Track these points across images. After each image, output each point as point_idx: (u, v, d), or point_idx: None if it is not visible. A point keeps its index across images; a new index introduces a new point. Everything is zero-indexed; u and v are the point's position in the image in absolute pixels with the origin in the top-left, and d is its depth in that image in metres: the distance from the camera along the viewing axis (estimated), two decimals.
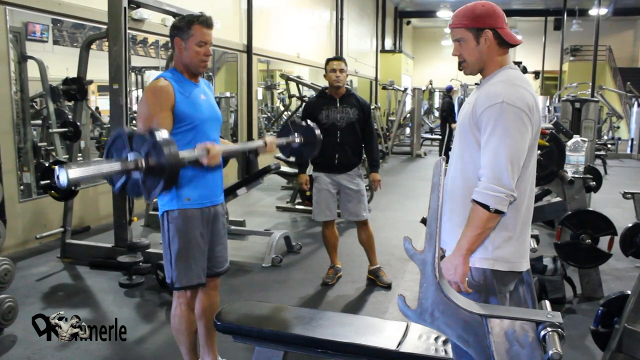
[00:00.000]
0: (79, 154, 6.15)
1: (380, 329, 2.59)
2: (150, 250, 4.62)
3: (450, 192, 2.08)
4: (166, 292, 4.13)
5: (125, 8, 4.52)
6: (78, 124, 5.15)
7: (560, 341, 1.51)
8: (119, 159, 2.12)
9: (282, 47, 12.12)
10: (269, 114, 13.50)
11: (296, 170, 4.64)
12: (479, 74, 2.14)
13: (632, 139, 15.31)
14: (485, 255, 1.99)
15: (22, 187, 5.88)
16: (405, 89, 16.55)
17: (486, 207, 1.89)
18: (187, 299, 2.77)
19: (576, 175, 4.28)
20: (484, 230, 1.93)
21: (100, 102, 9.86)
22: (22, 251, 5.41)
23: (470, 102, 2.08)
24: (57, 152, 6.69)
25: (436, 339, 2.45)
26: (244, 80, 10.12)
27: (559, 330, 1.54)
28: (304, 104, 6.32)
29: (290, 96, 11.55)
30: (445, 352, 2.35)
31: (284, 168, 7.02)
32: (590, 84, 15.81)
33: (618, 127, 18.14)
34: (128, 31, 4.61)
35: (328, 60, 4.41)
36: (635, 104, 15.13)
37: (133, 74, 9.96)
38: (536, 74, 24.74)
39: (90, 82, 5.32)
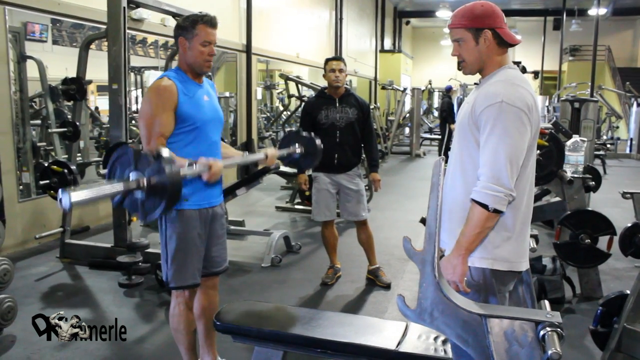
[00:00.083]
0: (78, 154, 6.15)
1: (379, 329, 2.59)
2: (149, 250, 4.62)
3: (450, 191, 2.08)
4: (165, 292, 4.13)
5: (124, 8, 4.52)
6: (77, 123, 5.15)
7: (559, 341, 1.51)
8: (121, 180, 2.10)
9: (282, 47, 12.12)
10: (268, 114, 13.50)
11: (295, 171, 4.64)
12: (478, 73, 2.14)
13: (631, 139, 15.32)
14: (484, 255, 2.00)
15: (21, 187, 5.88)
16: (405, 89, 16.56)
17: (485, 206, 1.89)
18: (186, 299, 2.77)
19: (575, 175, 4.28)
20: (483, 230, 1.94)
21: (100, 102, 9.86)
22: (22, 251, 5.40)
23: (469, 101, 2.08)
24: (56, 152, 6.68)
25: (435, 338, 2.45)
26: (243, 80, 10.13)
27: (558, 330, 1.54)
28: (303, 104, 6.32)
29: (290, 96, 11.56)
30: (445, 351, 2.35)
31: (284, 168, 7.00)
32: (590, 83, 15.82)
33: (617, 127, 18.16)
34: (127, 31, 4.61)
35: (327, 60, 4.41)
36: (635, 103, 15.14)
37: (132, 74, 9.96)
38: (535, 73, 24.78)
39: (90, 82, 5.32)
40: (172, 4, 5.18)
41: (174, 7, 5.18)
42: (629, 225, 3.60)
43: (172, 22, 6.73)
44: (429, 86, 19.43)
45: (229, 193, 4.56)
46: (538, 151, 3.91)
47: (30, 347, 3.34)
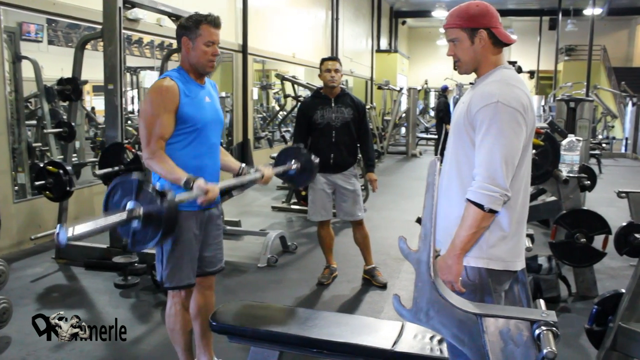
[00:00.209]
0: (74, 155, 6.14)
1: (375, 329, 2.60)
2: (145, 250, 4.60)
3: (445, 191, 2.08)
4: (161, 292, 4.12)
5: (120, 8, 4.51)
6: (73, 124, 5.14)
7: (554, 340, 1.52)
8: (117, 212, 2.09)
9: (278, 47, 12.11)
10: (264, 114, 13.49)
11: None
12: (473, 73, 2.15)
13: (627, 138, 15.37)
14: (480, 254, 2.00)
15: (16, 187, 5.86)
16: (401, 89, 16.55)
17: (480, 206, 1.90)
18: (182, 299, 2.77)
19: (571, 175, 4.29)
20: (478, 230, 1.94)
21: (96, 102, 9.85)
22: (17, 252, 5.39)
23: (464, 101, 2.09)
24: (52, 152, 6.68)
25: (431, 338, 2.45)
26: (239, 80, 10.12)
27: (554, 329, 1.55)
28: (299, 104, 6.32)
29: (286, 96, 11.55)
30: (441, 351, 2.36)
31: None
32: (585, 83, 15.85)
33: (612, 127, 18.20)
34: (123, 31, 4.60)
35: (323, 60, 4.41)
36: (630, 103, 15.18)
37: (128, 74, 9.95)
38: (531, 73, 24.82)
39: (85, 82, 5.31)
40: (167, 4, 5.17)
41: (170, 7, 5.18)
42: (624, 224, 3.60)
43: (168, 22, 6.74)
44: (425, 86, 19.45)
45: (225, 193, 4.55)
46: (534, 151, 3.92)
47: (25, 349, 3.34)
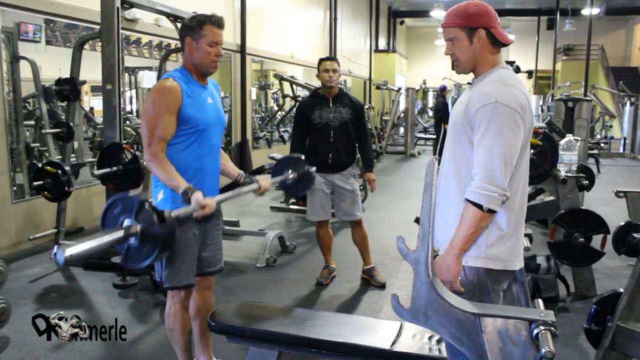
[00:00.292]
0: (72, 155, 6.13)
1: (374, 329, 2.60)
2: None
3: (444, 191, 2.08)
4: (160, 292, 4.12)
5: (118, 8, 4.50)
6: (71, 124, 5.14)
7: (553, 339, 1.52)
8: (115, 230, 2.09)
9: (276, 47, 12.11)
10: (262, 114, 13.48)
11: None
12: (471, 73, 2.15)
13: (625, 138, 15.39)
14: (478, 254, 2.00)
15: (15, 188, 5.86)
16: (399, 89, 16.56)
17: (479, 206, 1.90)
18: (181, 299, 2.77)
19: (569, 174, 4.29)
20: (477, 230, 1.94)
21: (94, 103, 9.84)
22: (15, 252, 5.39)
23: (462, 101, 2.09)
24: (50, 152, 6.67)
25: (430, 338, 2.46)
26: (238, 80, 10.12)
27: (552, 328, 1.55)
28: (297, 104, 6.32)
29: (284, 96, 11.52)
30: (439, 351, 2.36)
31: None
32: (583, 83, 15.86)
33: (611, 126, 18.22)
34: (121, 31, 4.60)
35: (321, 61, 4.41)
36: (628, 102, 15.20)
37: (126, 75, 9.94)
38: (529, 73, 24.87)
39: (84, 82, 5.31)
40: (165, 4, 5.17)
41: (168, 7, 5.17)
42: (622, 223, 3.61)
43: (166, 23, 6.73)
44: (424, 86, 19.45)
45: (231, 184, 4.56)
46: (532, 150, 3.93)
47: (24, 349, 3.33)
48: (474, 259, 2.00)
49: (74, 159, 6.60)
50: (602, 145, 14.59)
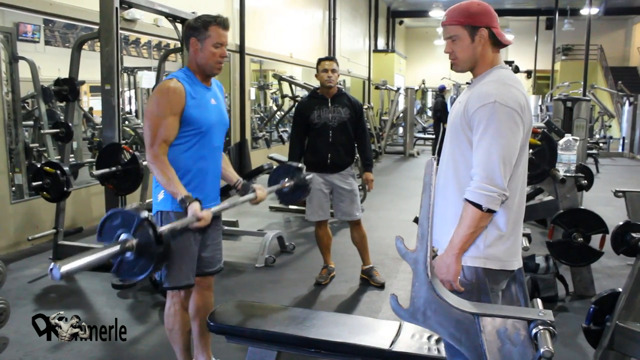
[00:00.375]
0: (71, 155, 6.13)
1: (373, 329, 2.60)
2: None
3: (442, 191, 2.09)
4: (159, 293, 4.12)
5: (117, 8, 4.50)
6: (70, 124, 5.13)
7: (551, 339, 1.52)
8: (111, 244, 2.10)
9: (275, 47, 12.10)
10: (261, 114, 13.48)
11: None
12: (469, 72, 2.15)
13: (624, 138, 15.40)
14: (477, 254, 2.00)
15: (13, 188, 5.86)
16: (398, 89, 16.57)
17: (479, 206, 1.90)
18: (181, 299, 2.76)
19: (568, 174, 4.30)
20: (476, 230, 1.95)
21: (94, 103, 9.84)
22: (14, 253, 5.38)
23: (461, 101, 2.09)
24: (49, 153, 6.66)
25: (429, 338, 2.46)
26: (237, 80, 10.12)
27: (551, 328, 1.55)
28: (296, 104, 6.32)
29: (283, 96, 11.54)
30: (438, 350, 2.36)
31: None
32: (582, 83, 15.87)
33: (610, 126, 18.24)
34: (120, 31, 4.59)
35: (320, 61, 4.41)
36: (627, 102, 15.21)
37: (125, 75, 9.94)
38: (528, 73, 24.86)
39: (82, 82, 5.30)
40: (164, 4, 5.16)
41: (167, 8, 5.17)
42: (621, 223, 3.61)
43: (165, 23, 6.73)
44: (423, 86, 19.45)
45: (223, 193, 4.56)
46: (531, 150, 3.93)
47: (23, 349, 3.33)
48: (473, 258, 2.00)
49: (73, 159, 6.60)
50: (601, 145, 14.62)
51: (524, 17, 25.86)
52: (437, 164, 1.86)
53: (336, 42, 15.88)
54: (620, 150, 15.43)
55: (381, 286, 4.52)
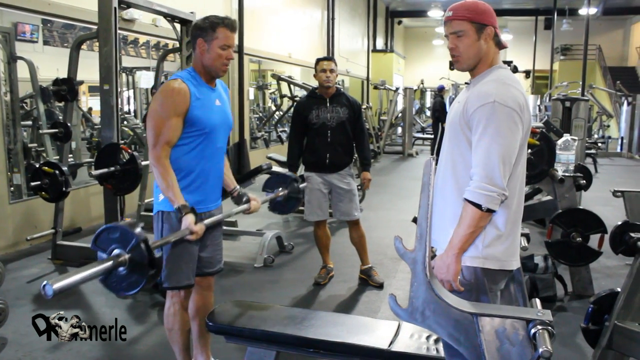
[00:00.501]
0: (70, 155, 6.12)
1: (372, 329, 2.60)
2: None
3: (441, 191, 2.09)
4: (158, 293, 4.11)
5: (115, 8, 4.49)
6: (68, 124, 5.13)
7: (550, 339, 1.52)
8: (104, 260, 2.11)
9: (274, 47, 12.10)
10: (260, 114, 13.48)
11: (287, 170, 4.66)
12: (467, 72, 2.15)
13: (622, 138, 15.41)
14: (475, 254, 2.00)
15: (12, 188, 5.85)
16: (397, 89, 16.57)
17: (478, 206, 1.90)
18: (181, 299, 2.76)
19: (566, 174, 4.30)
20: (476, 229, 1.95)
21: (93, 103, 9.84)
22: (13, 253, 5.38)
23: (460, 101, 2.09)
24: (47, 153, 6.66)
25: (428, 337, 2.46)
26: (235, 80, 10.11)
27: (549, 328, 1.55)
28: (294, 104, 6.32)
29: (282, 96, 11.53)
30: (437, 350, 2.36)
31: (276, 168, 7.00)
32: (581, 83, 15.89)
33: (608, 126, 18.27)
34: (118, 31, 4.59)
35: (318, 61, 4.41)
36: (625, 102, 15.23)
37: (124, 75, 9.93)
38: (527, 73, 24.89)
39: (81, 82, 5.29)
40: (163, 4, 5.16)
41: (165, 8, 5.16)
42: (620, 223, 3.61)
43: (163, 23, 6.72)
44: (421, 86, 19.46)
45: (224, 195, 4.57)
46: (529, 150, 3.93)
47: (22, 349, 3.33)
48: (472, 258, 2.00)
49: (72, 159, 6.60)
50: (599, 144, 14.65)
51: (523, 17, 25.90)
52: (436, 164, 1.86)
53: (335, 42, 15.87)
54: (618, 150, 15.44)
55: (380, 286, 4.52)
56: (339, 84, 4.52)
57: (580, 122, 7.06)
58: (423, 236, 1.65)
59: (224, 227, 5.53)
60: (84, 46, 5.22)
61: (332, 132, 4.32)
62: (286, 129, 12.12)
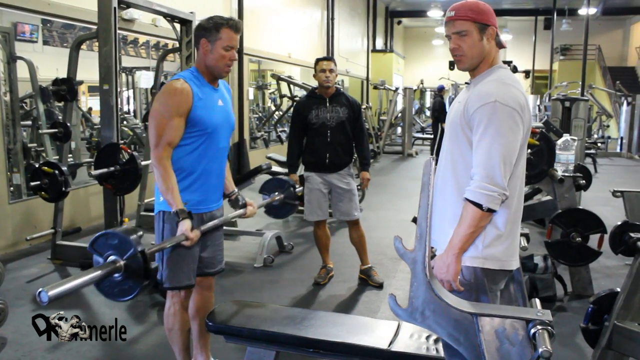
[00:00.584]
0: (70, 155, 6.12)
1: (371, 329, 2.60)
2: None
3: (441, 191, 2.09)
4: (158, 293, 4.11)
5: (115, 8, 4.50)
6: (68, 124, 5.13)
7: (550, 339, 1.52)
8: (99, 267, 2.12)
9: (274, 47, 12.10)
10: (260, 114, 13.48)
11: (287, 171, 4.66)
12: (467, 72, 2.15)
13: (622, 138, 15.41)
14: (475, 254, 2.00)
15: (12, 188, 5.85)
16: (397, 89, 16.57)
17: (479, 205, 1.90)
18: (181, 299, 2.76)
19: (566, 174, 4.30)
20: (477, 229, 1.95)
21: (92, 103, 9.83)
22: (12, 253, 5.37)
23: (461, 101, 2.09)
24: (47, 153, 6.66)
25: (427, 337, 2.46)
26: (235, 80, 10.11)
27: (549, 328, 1.55)
28: (294, 104, 6.33)
29: (282, 96, 11.54)
30: (437, 350, 2.36)
31: (275, 168, 7.01)
32: (580, 83, 15.90)
33: (608, 126, 18.27)
34: (118, 31, 4.59)
35: (317, 61, 4.41)
36: (625, 102, 15.23)
37: (124, 75, 9.93)
38: (526, 73, 24.90)
39: (81, 82, 5.29)
40: (163, 4, 5.16)
41: (165, 8, 5.17)
42: (619, 223, 3.61)
43: (163, 23, 6.72)
44: (421, 86, 19.47)
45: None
46: (529, 150, 3.93)
47: (21, 349, 3.33)
48: (472, 259, 2.00)
49: (72, 159, 6.60)
50: (599, 145, 14.65)
51: (522, 17, 25.91)
52: (436, 164, 1.86)
53: (334, 42, 15.88)
54: (618, 150, 15.44)
55: (380, 286, 4.52)
56: (338, 84, 4.52)
57: (579, 122, 7.06)
58: (423, 236, 1.65)
59: (224, 227, 5.54)
60: (83, 46, 5.22)
61: (331, 132, 4.32)
62: (286, 129, 12.13)
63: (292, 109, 5.99)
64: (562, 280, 4.30)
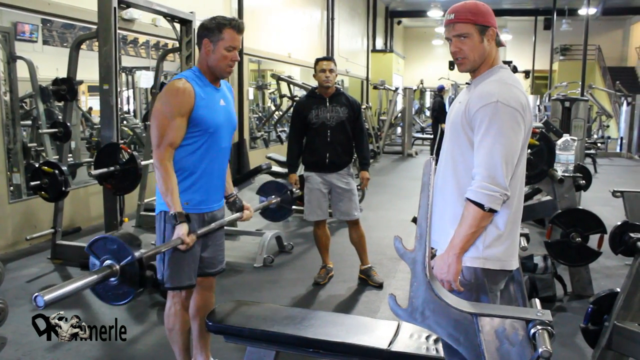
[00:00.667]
0: (70, 155, 6.12)
1: (371, 329, 2.60)
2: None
3: (441, 191, 2.09)
4: (158, 293, 4.11)
5: (115, 8, 4.49)
6: (68, 124, 5.13)
7: (550, 339, 1.52)
8: (95, 272, 2.13)
9: (273, 47, 12.10)
10: (260, 114, 13.48)
11: (287, 170, 4.67)
12: (467, 72, 2.15)
13: (622, 138, 15.41)
14: (476, 254, 2.00)
15: (11, 188, 5.85)
16: (397, 89, 16.58)
17: (480, 205, 1.90)
18: (182, 299, 2.76)
19: (566, 174, 4.30)
20: (478, 229, 1.95)
21: (92, 103, 9.82)
22: (12, 252, 5.37)
23: (462, 101, 2.09)
24: (47, 152, 6.66)
25: (427, 337, 2.46)
26: (235, 80, 10.11)
27: (549, 328, 1.55)
28: (294, 104, 6.33)
29: (282, 96, 11.54)
30: (437, 350, 2.36)
31: (275, 168, 7.01)
32: (580, 83, 15.90)
33: (607, 126, 18.27)
34: (118, 31, 4.59)
35: (317, 61, 4.42)
36: (625, 102, 15.23)
37: (123, 75, 9.92)
38: (526, 73, 24.90)
39: (81, 82, 5.29)
40: (163, 4, 5.16)
41: (165, 7, 5.17)
42: (619, 223, 3.61)
43: (163, 23, 6.73)
44: (421, 86, 19.48)
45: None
46: (529, 150, 3.93)
47: (21, 349, 3.33)
48: (472, 259, 2.00)
49: (71, 159, 6.60)
50: (599, 145, 14.65)
51: (522, 17, 25.91)
52: (436, 164, 1.86)
53: (334, 42, 15.88)
54: (618, 150, 15.45)
55: (379, 286, 4.52)
56: (338, 84, 4.52)
57: (579, 122, 7.07)
58: (423, 236, 1.65)
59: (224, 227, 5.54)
60: (83, 46, 5.22)
61: (331, 132, 4.32)
62: (286, 128, 12.14)
63: (292, 109, 5.99)
64: (562, 280, 4.30)
